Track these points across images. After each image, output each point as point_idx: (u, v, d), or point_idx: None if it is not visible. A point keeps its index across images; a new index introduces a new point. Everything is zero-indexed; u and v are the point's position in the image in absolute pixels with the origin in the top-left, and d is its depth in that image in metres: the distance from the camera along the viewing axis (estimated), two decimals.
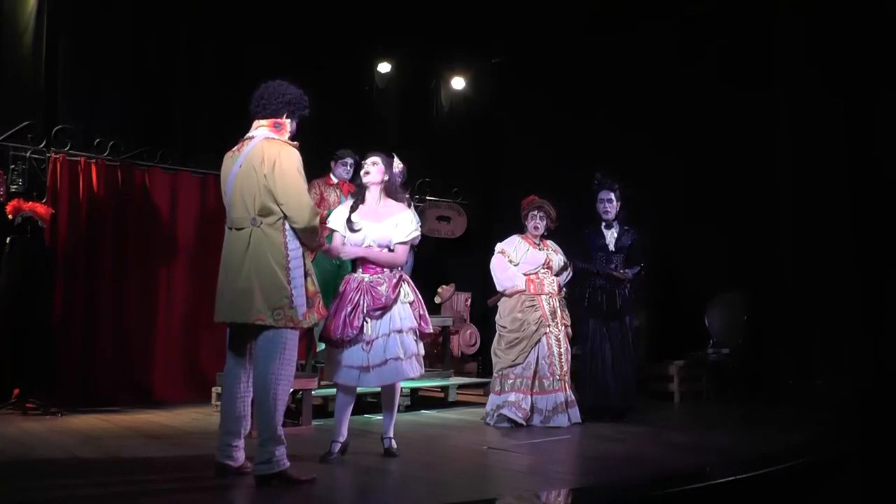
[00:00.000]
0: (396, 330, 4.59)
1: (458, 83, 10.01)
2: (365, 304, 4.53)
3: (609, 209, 6.49)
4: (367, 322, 4.53)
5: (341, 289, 4.62)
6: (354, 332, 4.49)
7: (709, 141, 8.11)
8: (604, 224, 6.52)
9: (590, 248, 6.47)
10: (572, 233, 6.60)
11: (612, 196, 6.49)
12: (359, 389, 4.98)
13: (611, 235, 6.50)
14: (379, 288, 4.58)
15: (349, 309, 4.51)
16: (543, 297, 6.12)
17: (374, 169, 4.76)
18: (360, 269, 4.66)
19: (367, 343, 4.53)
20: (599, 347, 6.32)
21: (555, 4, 8.40)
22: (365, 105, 9.36)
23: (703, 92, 8.15)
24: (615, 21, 8.53)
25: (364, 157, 4.85)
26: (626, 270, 6.40)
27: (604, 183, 6.54)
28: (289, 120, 4.17)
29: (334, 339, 4.50)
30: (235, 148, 4.13)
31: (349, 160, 6.89)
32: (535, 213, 6.22)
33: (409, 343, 4.65)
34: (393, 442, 4.77)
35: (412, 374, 4.68)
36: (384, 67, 9.39)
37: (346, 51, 8.72)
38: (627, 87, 8.60)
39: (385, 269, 4.66)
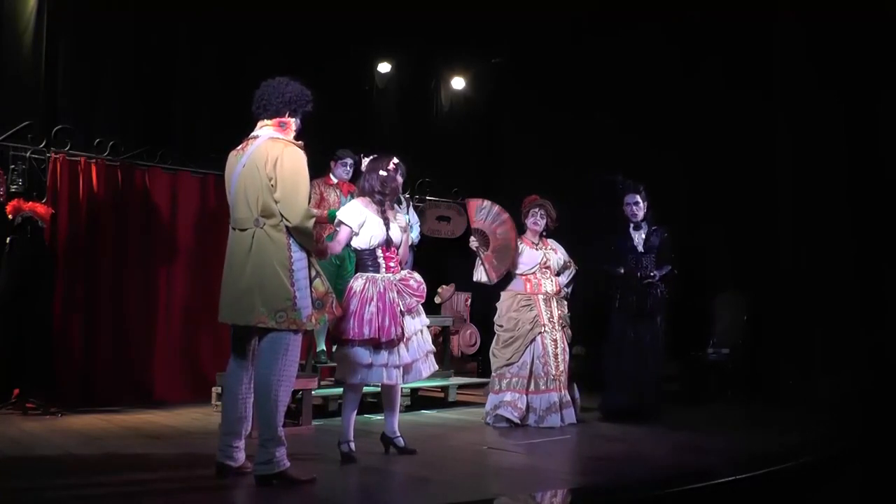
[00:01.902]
0: (424, 325, 4.79)
1: (458, 83, 10.01)
2: (403, 302, 4.60)
3: (637, 211, 6.46)
4: (404, 319, 4.61)
5: (365, 291, 4.55)
6: (400, 330, 4.55)
7: (709, 141, 8.11)
8: (632, 226, 6.48)
9: (620, 252, 6.44)
10: (571, 233, 6.60)
11: (639, 198, 6.45)
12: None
13: (639, 237, 6.45)
14: (411, 283, 4.68)
15: (394, 308, 4.53)
16: (540, 296, 6.11)
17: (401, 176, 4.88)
18: (382, 269, 4.65)
19: (407, 340, 4.62)
20: (628, 347, 6.29)
21: (555, 4, 8.39)
22: (365, 105, 9.36)
23: (703, 92, 8.15)
24: (615, 21, 8.53)
25: (386, 160, 4.78)
26: (655, 272, 6.37)
27: (628, 186, 6.51)
28: (292, 119, 4.15)
29: (384, 340, 4.48)
30: (240, 146, 4.11)
31: (349, 160, 6.87)
32: (537, 210, 6.24)
33: (429, 337, 4.86)
34: (404, 439, 4.80)
35: (436, 367, 4.89)
36: (384, 67, 9.40)
37: (346, 51, 8.72)
38: (627, 88, 8.60)
39: (399, 268, 4.72)
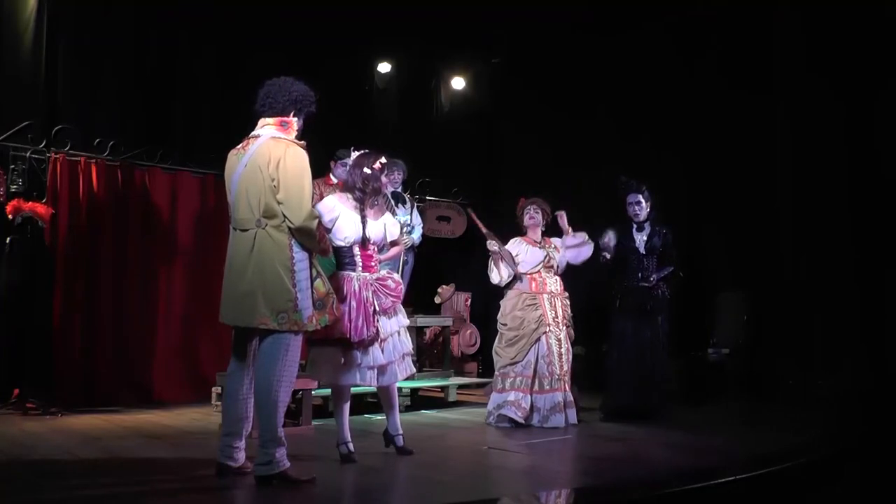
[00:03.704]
0: (402, 326, 4.69)
1: (458, 83, 10.01)
2: (377, 302, 4.53)
3: (639, 211, 6.42)
4: (379, 320, 4.54)
5: (339, 289, 4.47)
6: (374, 330, 4.48)
7: (709, 141, 8.10)
8: (634, 227, 6.45)
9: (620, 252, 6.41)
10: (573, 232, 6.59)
11: (641, 198, 6.41)
12: (359, 389, 4.99)
13: (640, 238, 6.41)
14: (388, 283, 4.62)
15: (367, 308, 4.47)
16: (545, 296, 6.11)
17: (398, 176, 4.82)
18: (358, 267, 4.57)
19: (382, 341, 4.54)
20: (628, 347, 6.28)
21: (555, 4, 8.39)
22: (365, 105, 9.36)
23: (703, 92, 8.15)
24: (616, 21, 8.53)
25: (372, 158, 4.70)
26: (654, 276, 6.34)
27: (630, 185, 6.46)
28: (295, 118, 4.13)
29: (355, 340, 4.42)
30: (241, 146, 4.10)
31: (349, 160, 6.87)
32: (529, 208, 6.24)
33: (409, 339, 4.77)
34: (404, 439, 4.79)
35: (413, 370, 4.80)
36: (384, 67, 9.40)
37: (346, 51, 8.73)
38: (628, 88, 8.60)
39: (378, 267, 4.67)
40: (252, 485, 3.87)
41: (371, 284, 4.55)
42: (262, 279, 3.86)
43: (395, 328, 4.64)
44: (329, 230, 4.52)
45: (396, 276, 4.75)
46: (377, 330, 4.50)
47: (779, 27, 7.77)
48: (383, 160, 4.74)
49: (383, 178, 4.81)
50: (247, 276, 3.88)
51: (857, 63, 7.18)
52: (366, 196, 4.63)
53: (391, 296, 4.60)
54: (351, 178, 4.69)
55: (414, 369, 4.86)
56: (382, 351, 4.54)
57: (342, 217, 4.55)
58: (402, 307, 4.76)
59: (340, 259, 4.61)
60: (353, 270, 4.57)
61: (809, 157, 7.49)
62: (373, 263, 4.63)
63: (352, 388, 4.76)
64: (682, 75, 8.37)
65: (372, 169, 4.65)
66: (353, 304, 4.44)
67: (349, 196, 4.64)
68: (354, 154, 4.78)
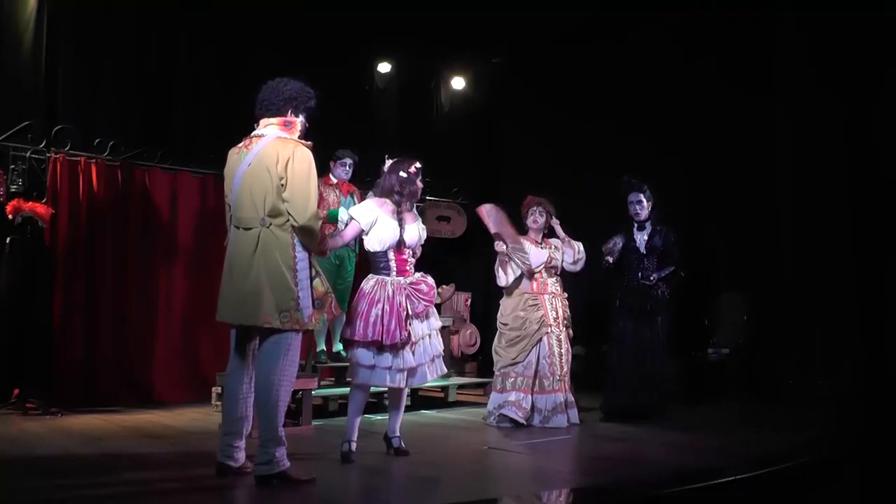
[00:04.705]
0: (434, 329, 4.74)
1: (458, 83, 10.02)
2: (410, 306, 4.56)
3: (640, 211, 6.40)
4: (411, 323, 4.57)
5: (374, 293, 4.54)
6: (406, 334, 4.52)
7: (709, 141, 8.10)
8: (635, 226, 6.44)
9: (621, 250, 6.39)
10: (574, 233, 6.59)
11: (642, 197, 6.39)
12: None
13: (641, 238, 6.39)
14: (422, 287, 4.64)
15: (400, 312, 4.51)
16: (546, 296, 6.12)
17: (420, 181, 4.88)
18: (393, 272, 4.62)
19: (413, 344, 4.59)
20: (628, 347, 6.28)
21: (555, 5, 8.39)
22: (365, 105, 9.36)
23: (703, 93, 8.14)
24: (616, 22, 8.53)
25: (408, 163, 4.78)
26: (654, 275, 6.34)
27: (631, 185, 6.44)
28: (297, 117, 4.13)
29: (387, 343, 4.47)
30: (242, 144, 4.09)
31: (348, 160, 6.89)
32: (535, 208, 6.23)
33: (440, 341, 4.81)
34: (402, 441, 4.80)
35: (444, 370, 4.85)
36: (384, 67, 9.40)
37: (346, 51, 8.72)
38: (628, 88, 8.60)
39: (413, 270, 4.70)
40: (252, 484, 3.88)
41: (405, 289, 4.59)
42: (267, 278, 3.87)
43: (427, 331, 4.69)
44: (366, 233, 4.60)
45: (430, 280, 4.76)
46: (409, 334, 4.55)
47: (779, 27, 7.77)
48: (419, 164, 4.81)
49: (418, 183, 4.84)
50: (251, 275, 3.88)
51: (857, 63, 7.17)
52: (403, 199, 4.70)
53: (424, 300, 4.64)
54: (388, 182, 4.74)
55: (445, 369, 4.90)
56: (413, 354, 4.59)
57: (379, 221, 4.62)
58: (434, 310, 4.79)
59: (375, 263, 4.68)
60: (388, 275, 4.62)
61: (809, 157, 7.49)
62: (407, 268, 4.68)
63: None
64: (682, 75, 8.36)
65: (408, 173, 4.72)
66: (387, 307, 4.50)
67: (387, 200, 4.69)
68: (388, 162, 4.84)
